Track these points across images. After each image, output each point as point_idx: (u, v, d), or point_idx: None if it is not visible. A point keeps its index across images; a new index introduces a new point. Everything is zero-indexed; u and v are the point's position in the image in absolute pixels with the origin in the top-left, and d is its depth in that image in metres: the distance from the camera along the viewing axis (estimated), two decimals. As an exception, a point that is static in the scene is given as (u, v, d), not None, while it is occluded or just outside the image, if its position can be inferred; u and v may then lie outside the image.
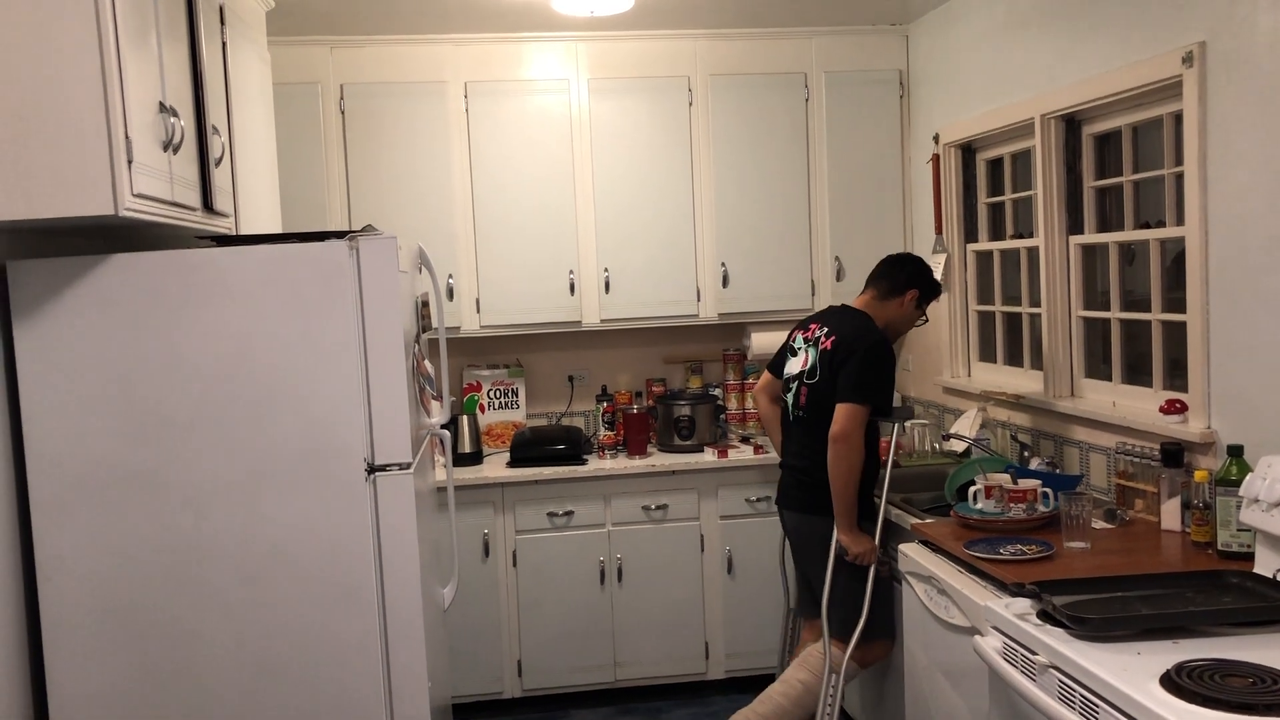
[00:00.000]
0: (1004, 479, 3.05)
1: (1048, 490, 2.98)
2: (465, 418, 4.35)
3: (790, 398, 3.48)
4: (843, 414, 3.20)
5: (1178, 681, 1.80)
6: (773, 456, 3.98)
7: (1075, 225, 3.46)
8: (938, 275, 4.14)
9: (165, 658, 2.45)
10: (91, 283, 2.37)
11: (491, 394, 4.59)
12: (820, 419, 3.32)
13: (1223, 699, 1.73)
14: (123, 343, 2.39)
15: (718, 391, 4.67)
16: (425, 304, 3.22)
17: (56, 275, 2.36)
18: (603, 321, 4.38)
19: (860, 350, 3.24)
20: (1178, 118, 2.91)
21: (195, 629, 2.46)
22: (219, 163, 2.79)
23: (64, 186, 2.14)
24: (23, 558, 2.41)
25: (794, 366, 3.48)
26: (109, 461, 2.40)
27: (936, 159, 4.20)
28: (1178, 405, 2.87)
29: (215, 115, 2.80)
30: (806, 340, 3.45)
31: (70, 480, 2.39)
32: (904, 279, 3.43)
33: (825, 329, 3.39)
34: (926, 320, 3.55)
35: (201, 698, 2.47)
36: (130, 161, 2.17)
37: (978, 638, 2.36)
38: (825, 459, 3.27)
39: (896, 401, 3.39)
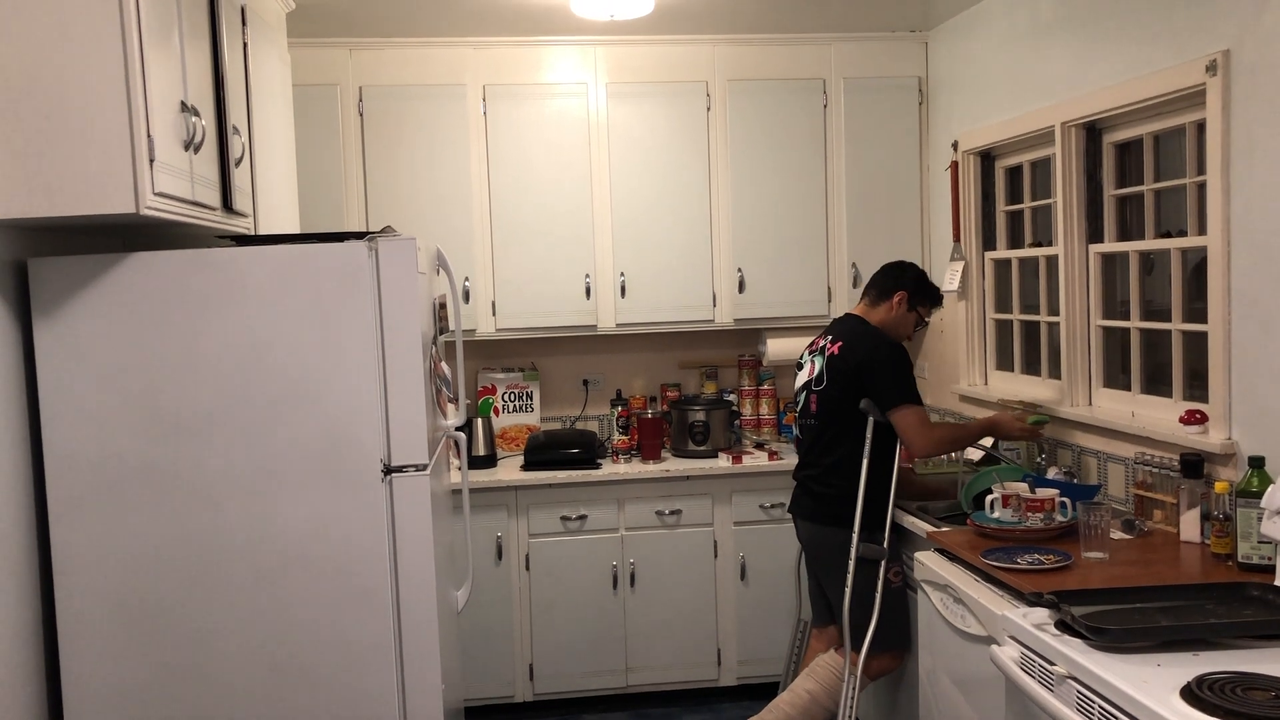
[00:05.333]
0: (1022, 488, 3.03)
1: (1066, 500, 2.96)
2: (480, 420, 4.35)
3: (800, 408, 3.50)
4: (905, 421, 3.22)
5: (1199, 694, 1.78)
6: (787, 463, 3.96)
7: (1095, 234, 3.44)
8: (954, 284, 4.16)
9: (179, 655, 2.46)
10: (111, 281, 2.38)
11: (506, 397, 4.59)
12: (830, 425, 3.35)
13: (1244, 712, 1.71)
14: (141, 341, 2.40)
15: (732, 397, 4.66)
16: (443, 306, 3.22)
17: (77, 273, 2.37)
18: (618, 325, 4.38)
19: (880, 357, 3.28)
20: (1200, 126, 2.89)
21: (209, 627, 2.47)
22: (239, 163, 2.80)
23: (86, 185, 2.15)
24: (39, 554, 2.42)
25: (801, 378, 3.53)
26: (126, 459, 2.41)
27: (955, 166, 4.19)
28: (1198, 416, 2.85)
29: (236, 115, 2.81)
30: (812, 352, 3.51)
31: (87, 477, 2.40)
32: (892, 283, 3.46)
33: (830, 337, 3.45)
34: (926, 324, 3.56)
35: (215, 695, 2.48)
36: (152, 160, 2.19)
37: (994, 647, 2.34)
38: (835, 468, 3.34)
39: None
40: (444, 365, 3.07)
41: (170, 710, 2.46)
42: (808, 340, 3.72)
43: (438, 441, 2.89)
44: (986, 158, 4.11)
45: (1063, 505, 2.95)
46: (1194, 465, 2.76)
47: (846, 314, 3.57)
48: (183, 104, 2.40)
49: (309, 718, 2.51)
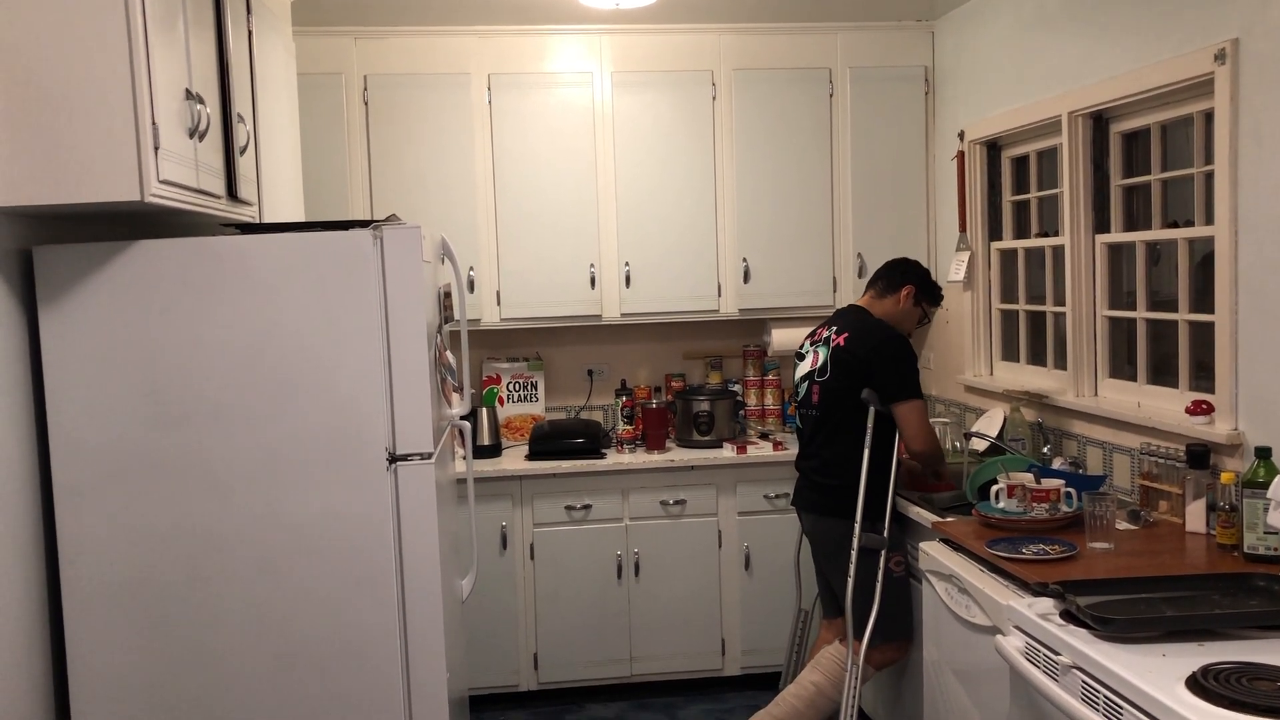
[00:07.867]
0: (1027, 478, 3.03)
1: (1071, 490, 2.96)
2: (484, 410, 4.36)
3: (801, 397, 3.50)
4: (907, 415, 3.25)
5: (1204, 684, 1.78)
6: (791, 453, 3.96)
7: (1102, 224, 3.43)
8: (960, 274, 4.15)
9: (184, 641, 2.47)
10: (116, 269, 2.38)
11: (511, 386, 4.59)
12: (832, 415, 3.36)
13: (1250, 702, 1.71)
14: (146, 329, 2.40)
15: (737, 387, 4.66)
16: (448, 295, 3.22)
17: (82, 261, 2.37)
18: (623, 315, 4.37)
19: (889, 349, 3.30)
20: (1208, 116, 2.87)
21: (215, 614, 2.47)
22: (244, 151, 2.80)
23: (91, 172, 2.15)
24: (45, 540, 2.42)
25: (803, 368, 3.53)
26: (131, 447, 2.41)
27: (961, 156, 4.18)
28: (1204, 406, 2.84)
29: (240, 103, 2.81)
30: (815, 342, 3.52)
31: (93, 464, 2.40)
32: (899, 277, 3.50)
33: (835, 328, 3.45)
34: (928, 320, 3.60)
35: (220, 681, 2.48)
36: (157, 148, 2.18)
37: (999, 637, 2.34)
38: (836, 459, 3.36)
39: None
40: (449, 355, 3.07)
41: (175, 696, 2.47)
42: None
43: (443, 431, 2.89)
44: (993, 147, 4.10)
45: (1068, 496, 2.95)
46: (1200, 456, 2.76)
47: (850, 305, 3.58)
48: (187, 91, 2.39)
49: (314, 705, 2.51)
